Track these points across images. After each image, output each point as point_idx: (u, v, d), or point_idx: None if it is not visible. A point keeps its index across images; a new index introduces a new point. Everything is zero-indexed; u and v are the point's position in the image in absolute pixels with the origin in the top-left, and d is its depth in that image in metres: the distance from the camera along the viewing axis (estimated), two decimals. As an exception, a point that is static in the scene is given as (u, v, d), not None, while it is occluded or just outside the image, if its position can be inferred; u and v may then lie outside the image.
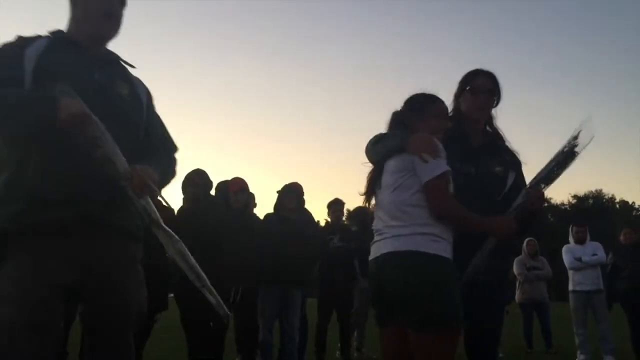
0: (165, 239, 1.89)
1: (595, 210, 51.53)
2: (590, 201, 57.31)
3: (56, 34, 1.93)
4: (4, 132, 1.79)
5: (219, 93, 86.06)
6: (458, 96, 2.61)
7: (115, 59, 2.01)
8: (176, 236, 1.90)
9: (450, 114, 2.57)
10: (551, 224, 46.01)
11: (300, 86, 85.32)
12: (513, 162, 2.57)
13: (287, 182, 5.23)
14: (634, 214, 53.85)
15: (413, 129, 2.30)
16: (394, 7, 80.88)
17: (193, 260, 1.91)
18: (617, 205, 57.11)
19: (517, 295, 7.91)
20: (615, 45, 76.22)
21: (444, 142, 2.38)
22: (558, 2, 74.93)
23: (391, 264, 2.17)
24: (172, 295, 4.55)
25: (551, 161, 2.43)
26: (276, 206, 5.16)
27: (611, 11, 73.78)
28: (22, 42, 1.84)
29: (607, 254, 6.67)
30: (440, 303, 2.08)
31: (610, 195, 57.76)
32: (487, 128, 2.63)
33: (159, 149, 2.03)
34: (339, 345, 6.30)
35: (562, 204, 57.58)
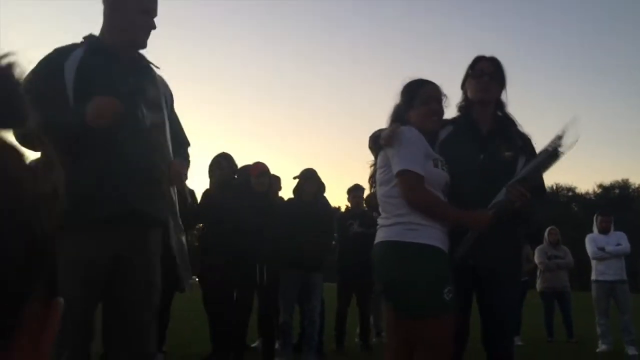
0: (174, 226, 2.10)
1: (620, 200, 50.60)
2: (616, 191, 56.27)
3: (91, 41, 2.07)
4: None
5: (238, 79, 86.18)
6: (464, 84, 2.62)
7: (145, 63, 2.18)
8: (182, 226, 2.13)
9: (461, 104, 2.61)
10: (575, 214, 45.37)
11: (320, 72, 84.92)
12: (524, 147, 2.56)
13: (307, 167, 5.28)
14: (661, 204, 52.67)
15: (407, 119, 2.36)
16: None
17: (186, 250, 2.14)
18: (644, 196, 55.92)
19: (538, 284, 7.86)
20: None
21: (443, 127, 2.46)
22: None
23: (379, 254, 2.31)
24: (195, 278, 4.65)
25: (535, 160, 2.41)
26: (296, 191, 5.21)
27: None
28: (60, 54, 2.01)
29: (631, 245, 6.59)
30: (414, 289, 2.18)
31: (636, 185, 56.63)
32: (498, 113, 2.60)
33: (176, 144, 2.22)
34: (358, 330, 6.36)
35: (587, 194, 56.68)
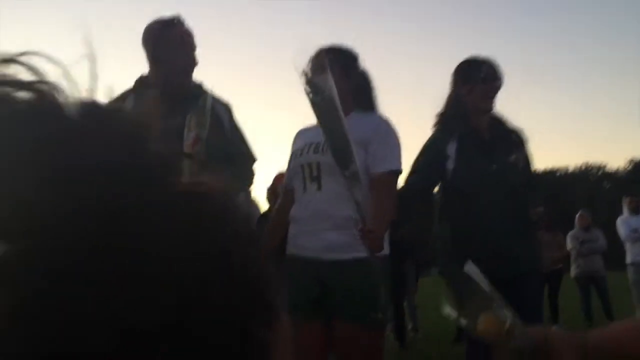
0: None
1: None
2: (649, 165, 54.83)
3: (139, 86, 2.21)
4: None
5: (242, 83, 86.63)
6: (460, 89, 2.44)
7: (191, 92, 2.23)
8: None
9: (455, 113, 2.44)
10: (607, 192, 44.41)
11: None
12: (519, 142, 2.50)
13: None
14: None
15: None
16: None
17: None
18: (678, 168, 54.32)
19: (572, 270, 7.75)
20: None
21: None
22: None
23: None
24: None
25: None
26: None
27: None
28: (117, 101, 2.07)
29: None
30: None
31: (669, 158, 55.04)
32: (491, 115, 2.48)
33: (229, 159, 2.22)
34: (392, 327, 6.31)
35: (618, 171, 55.41)
